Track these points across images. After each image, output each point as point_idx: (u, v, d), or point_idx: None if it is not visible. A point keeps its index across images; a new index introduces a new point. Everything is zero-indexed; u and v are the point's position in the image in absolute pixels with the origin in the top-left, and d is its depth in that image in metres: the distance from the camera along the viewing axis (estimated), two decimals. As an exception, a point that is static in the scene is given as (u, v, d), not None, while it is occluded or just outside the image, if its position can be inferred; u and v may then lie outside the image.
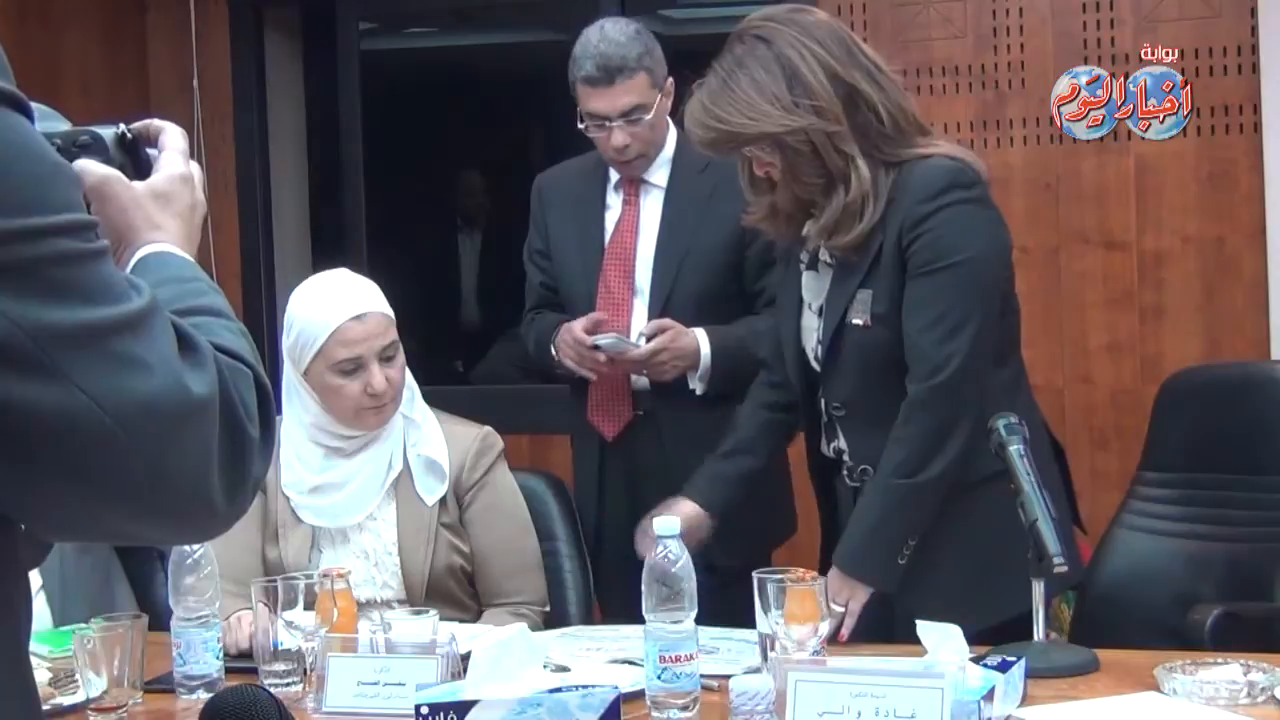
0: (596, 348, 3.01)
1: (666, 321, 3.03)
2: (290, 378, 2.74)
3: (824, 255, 2.57)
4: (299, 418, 2.75)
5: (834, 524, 2.65)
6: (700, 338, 3.04)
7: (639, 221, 3.15)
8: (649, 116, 3.04)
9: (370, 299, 2.71)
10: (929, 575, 2.49)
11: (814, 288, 2.60)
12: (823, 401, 2.61)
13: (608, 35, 3.03)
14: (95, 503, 1.05)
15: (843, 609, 2.43)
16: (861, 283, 2.49)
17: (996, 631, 2.32)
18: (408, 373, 2.77)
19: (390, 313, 2.73)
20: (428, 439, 2.78)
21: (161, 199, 1.31)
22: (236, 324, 1.21)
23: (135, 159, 1.34)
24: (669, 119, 3.14)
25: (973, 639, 2.09)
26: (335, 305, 2.69)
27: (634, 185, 3.18)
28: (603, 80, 3.00)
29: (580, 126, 3.09)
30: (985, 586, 2.47)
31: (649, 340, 3.02)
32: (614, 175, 3.20)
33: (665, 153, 3.17)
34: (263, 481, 1.16)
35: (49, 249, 1.02)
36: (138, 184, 1.31)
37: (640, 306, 3.13)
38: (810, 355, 2.61)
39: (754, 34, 2.48)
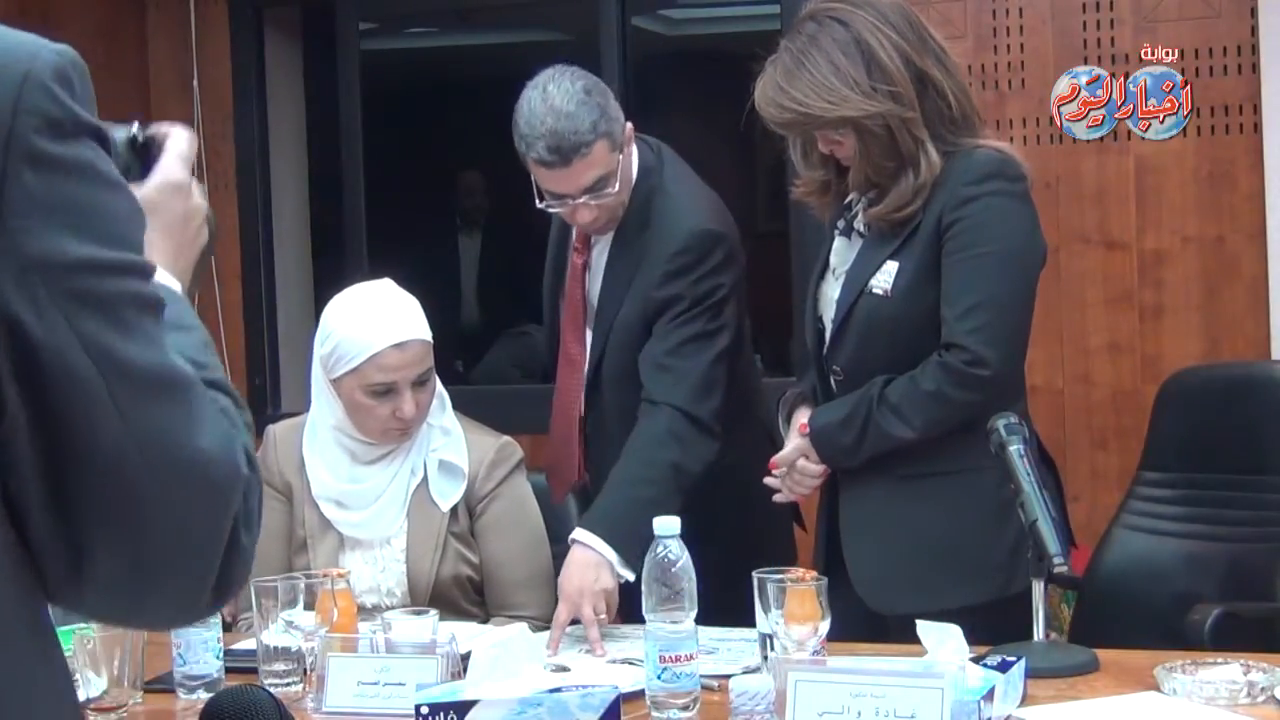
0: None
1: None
2: (319, 379, 2.73)
3: (858, 224, 2.60)
4: (324, 419, 2.75)
5: (833, 512, 2.66)
6: (601, 561, 2.58)
7: (587, 284, 2.92)
8: (614, 188, 2.72)
9: (413, 325, 2.67)
10: (885, 551, 2.55)
11: (843, 254, 2.63)
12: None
13: (555, 106, 2.64)
14: (106, 555, 1.02)
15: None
16: (892, 254, 2.52)
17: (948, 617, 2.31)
18: (439, 383, 2.76)
19: (429, 337, 2.70)
20: (450, 446, 2.77)
21: (150, 213, 1.22)
22: (237, 400, 1.16)
23: (144, 164, 1.28)
24: (634, 162, 2.81)
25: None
26: (378, 328, 2.64)
27: (587, 238, 2.90)
28: (558, 163, 2.66)
29: (540, 205, 2.76)
30: (937, 572, 2.51)
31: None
32: None
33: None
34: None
35: (129, 287, 1.02)
36: None
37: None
38: (826, 323, 2.63)
39: (829, 15, 2.51)
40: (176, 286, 1.23)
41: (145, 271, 1.04)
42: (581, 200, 2.71)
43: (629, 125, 2.76)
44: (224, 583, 1.09)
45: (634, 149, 2.81)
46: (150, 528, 1.02)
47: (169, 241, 1.26)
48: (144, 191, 1.24)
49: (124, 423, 1.00)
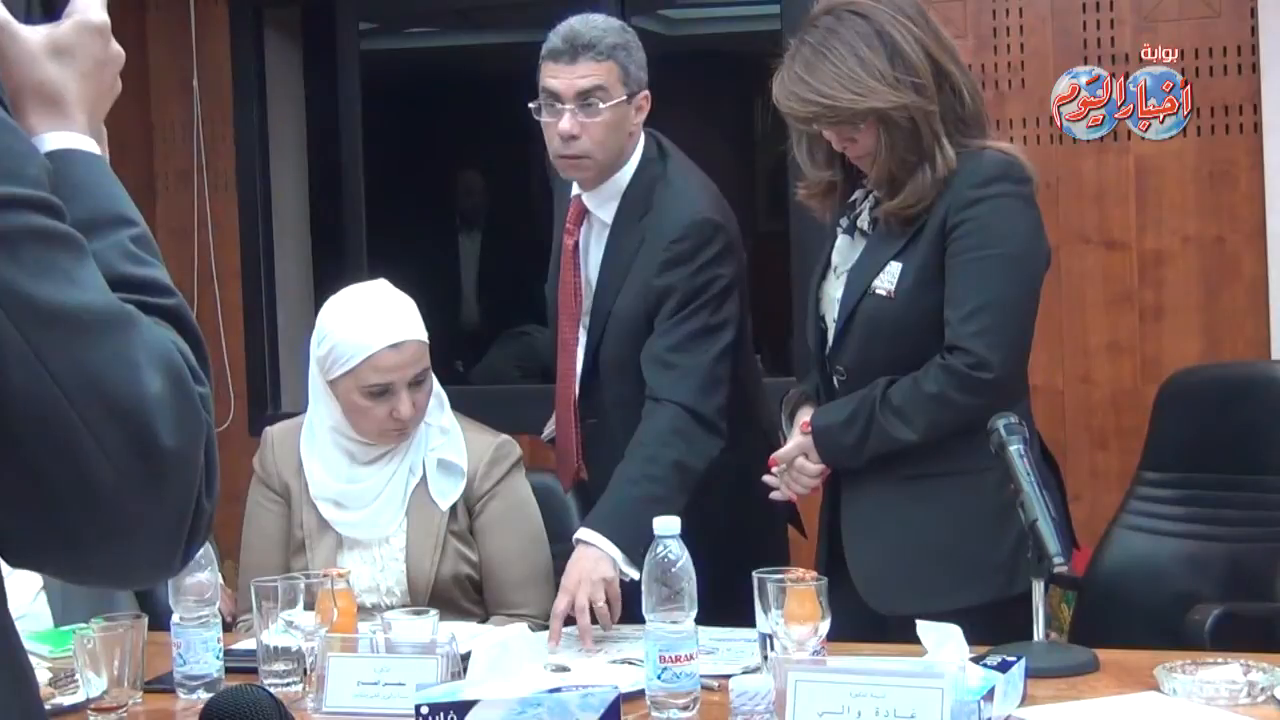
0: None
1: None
2: (316, 381, 2.73)
3: (862, 223, 2.60)
4: (322, 420, 2.75)
5: (835, 512, 2.66)
6: (603, 555, 2.57)
7: (583, 267, 2.91)
8: (607, 105, 2.71)
9: (409, 325, 2.67)
10: (886, 551, 2.55)
11: (846, 253, 2.63)
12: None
13: (589, 19, 2.77)
14: (46, 514, 0.97)
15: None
16: (896, 255, 2.52)
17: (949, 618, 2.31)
18: (436, 383, 2.75)
19: (425, 337, 2.70)
20: (448, 445, 2.77)
21: (63, 56, 1.11)
22: (192, 333, 1.08)
23: (51, 2, 1.14)
24: (640, 139, 2.83)
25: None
26: (373, 329, 2.64)
27: (579, 216, 2.89)
28: (566, 54, 2.71)
29: (531, 106, 2.77)
30: (938, 573, 2.51)
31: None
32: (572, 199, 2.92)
33: (618, 183, 2.82)
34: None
35: (30, 222, 0.96)
36: (35, 33, 1.11)
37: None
38: (828, 322, 2.62)
39: (848, 9, 2.51)
40: (96, 148, 1.13)
41: (49, 206, 0.98)
42: (570, 107, 2.71)
43: (647, 94, 2.79)
44: (188, 542, 1.03)
45: (641, 134, 2.81)
46: (98, 482, 0.96)
47: (88, 87, 1.13)
48: (59, 32, 1.12)
49: (45, 368, 0.94)
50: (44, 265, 0.96)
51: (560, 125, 2.73)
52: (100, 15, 1.14)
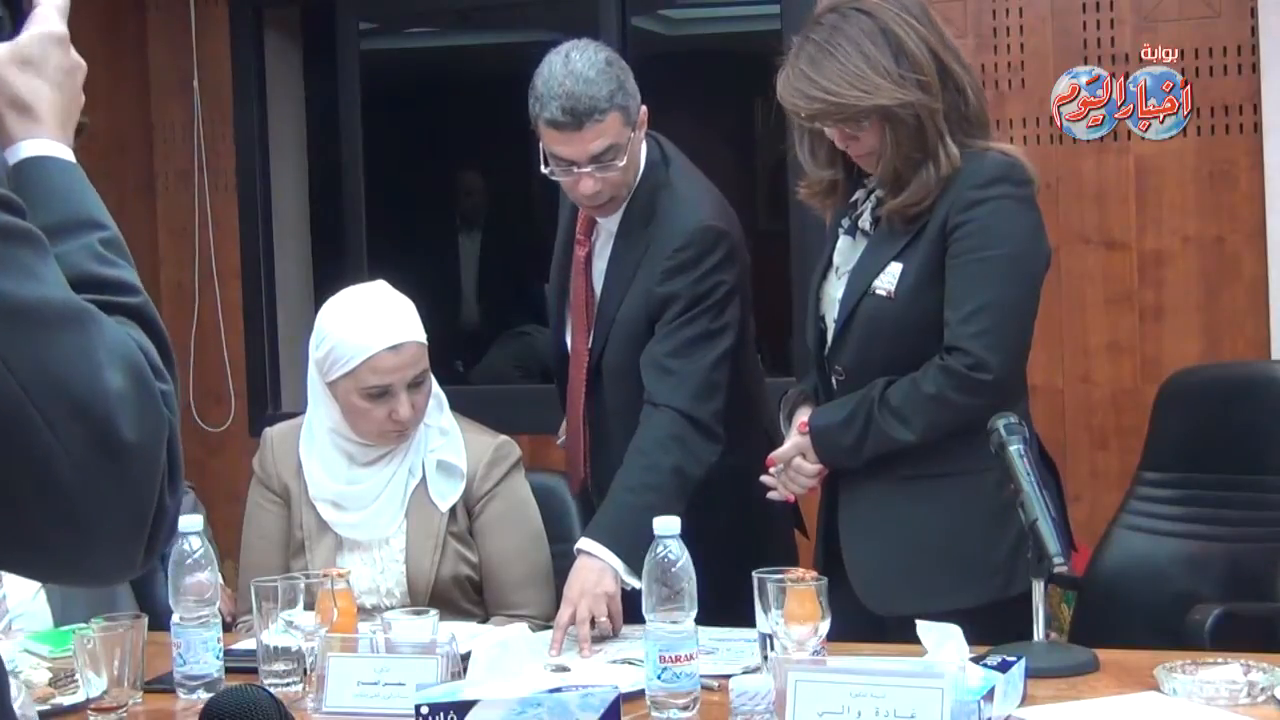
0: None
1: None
2: (315, 382, 2.73)
3: (863, 223, 2.60)
4: (321, 421, 2.75)
5: (832, 513, 2.66)
6: (605, 567, 2.56)
7: (592, 277, 2.91)
8: (622, 161, 2.70)
9: (408, 327, 2.67)
10: (884, 552, 2.55)
11: (847, 253, 2.63)
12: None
13: (575, 70, 2.65)
14: (5, 510, 0.96)
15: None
16: (897, 255, 2.52)
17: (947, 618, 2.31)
18: (435, 384, 2.75)
19: (424, 339, 2.70)
20: (448, 446, 2.77)
21: (30, 67, 1.15)
22: (154, 329, 1.07)
23: (13, 12, 1.17)
24: (643, 149, 2.81)
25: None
26: (372, 331, 2.64)
27: (589, 226, 2.90)
28: (570, 125, 2.64)
29: (545, 170, 2.74)
30: (936, 574, 2.51)
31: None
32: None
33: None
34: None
35: None
36: (1, 48, 1.15)
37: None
38: (828, 322, 2.62)
39: (853, 7, 2.51)
40: (70, 155, 1.14)
41: (9, 204, 0.98)
42: (587, 170, 2.69)
43: (644, 109, 2.76)
44: (150, 541, 1.03)
45: (643, 140, 2.80)
46: (58, 478, 0.95)
47: (59, 96, 1.16)
48: (22, 45, 1.16)
49: (5, 364, 0.94)
50: (5, 260, 0.96)
51: (582, 189, 2.72)
52: (60, 26, 1.17)
